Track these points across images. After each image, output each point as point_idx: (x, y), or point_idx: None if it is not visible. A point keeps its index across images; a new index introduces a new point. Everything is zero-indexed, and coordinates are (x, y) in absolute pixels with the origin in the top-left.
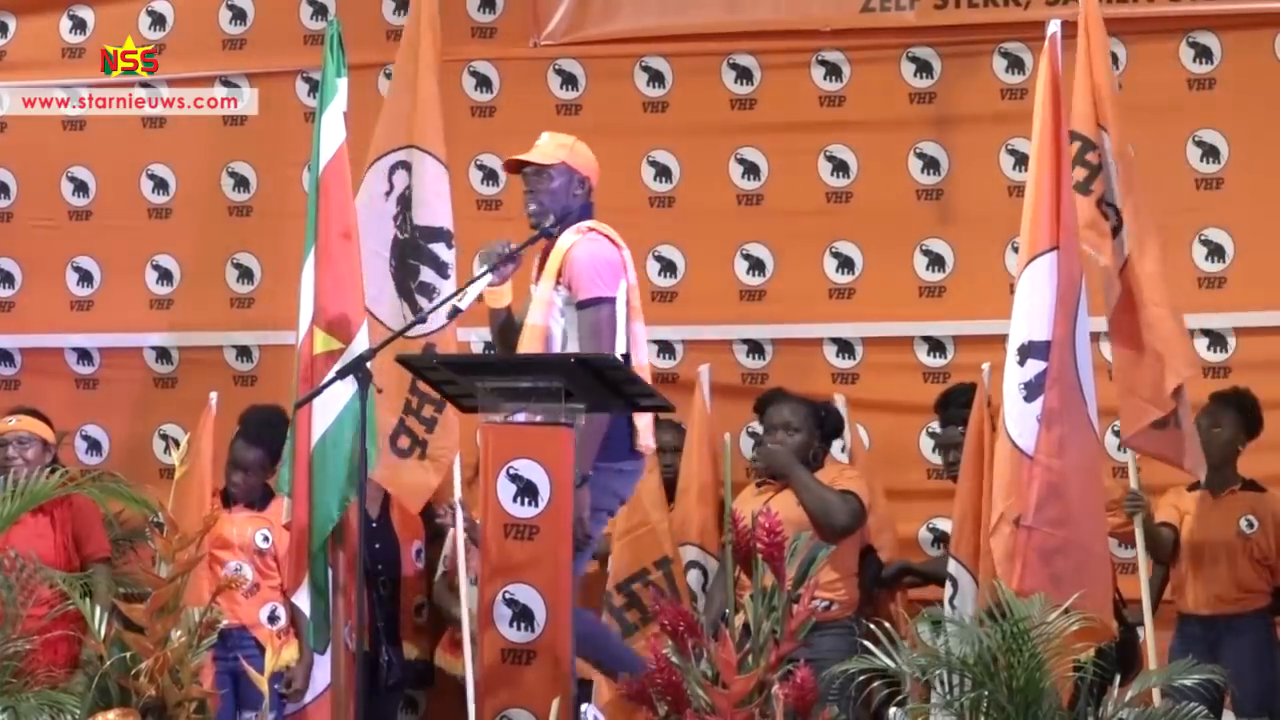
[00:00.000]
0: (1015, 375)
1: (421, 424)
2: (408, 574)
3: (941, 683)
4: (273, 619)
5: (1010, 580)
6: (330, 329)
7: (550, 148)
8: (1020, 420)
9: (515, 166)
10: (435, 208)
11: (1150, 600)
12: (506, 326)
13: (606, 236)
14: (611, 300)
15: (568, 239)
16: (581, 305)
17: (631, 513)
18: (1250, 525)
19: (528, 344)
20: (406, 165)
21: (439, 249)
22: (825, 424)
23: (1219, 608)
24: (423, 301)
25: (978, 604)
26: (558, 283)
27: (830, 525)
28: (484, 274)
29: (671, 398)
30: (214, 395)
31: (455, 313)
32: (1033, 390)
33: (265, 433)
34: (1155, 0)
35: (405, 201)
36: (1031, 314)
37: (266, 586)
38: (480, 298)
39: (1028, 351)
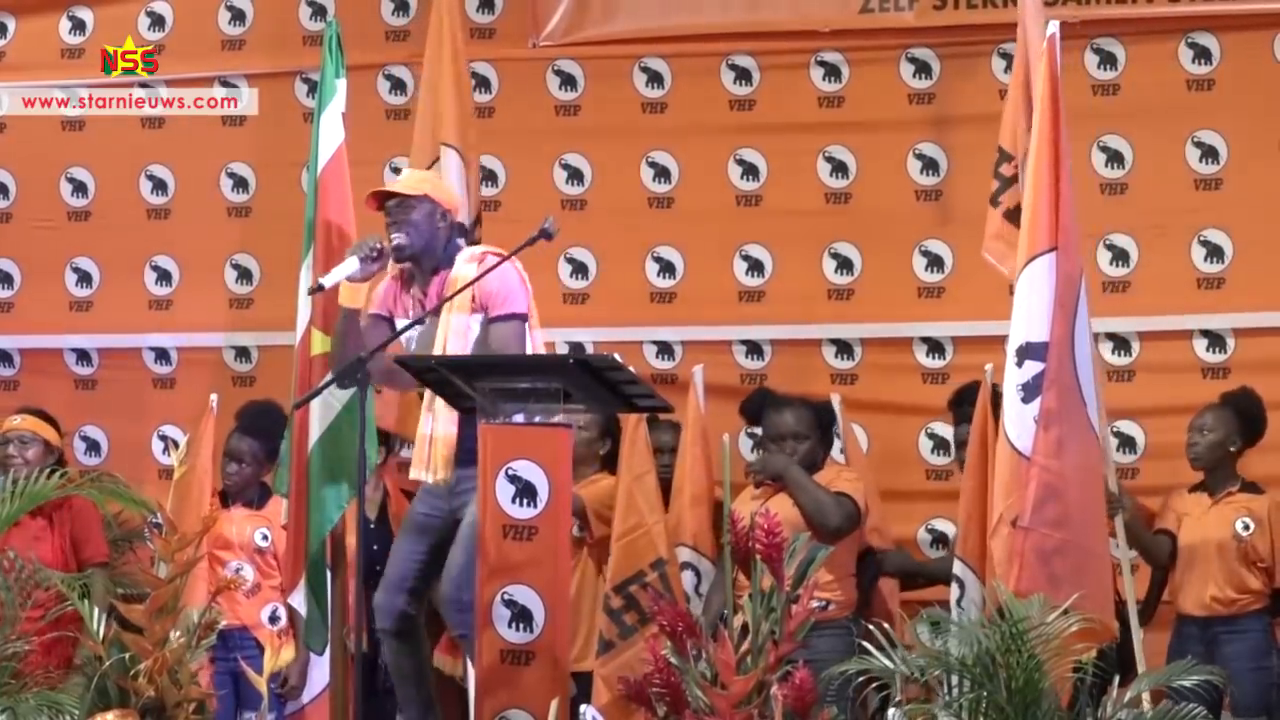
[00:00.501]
0: (1013, 377)
1: None
2: None
3: (941, 683)
4: (273, 619)
5: (1009, 581)
6: (329, 330)
7: (413, 180)
8: (1018, 421)
9: (378, 200)
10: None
11: (1138, 601)
12: (353, 328)
13: (498, 255)
14: (524, 317)
15: (466, 268)
16: (496, 320)
17: (628, 514)
18: (1246, 528)
19: None
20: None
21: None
22: (822, 421)
23: (1216, 610)
24: None
25: (984, 605)
26: (473, 310)
27: (824, 526)
28: (352, 257)
29: (671, 399)
30: (214, 397)
31: (318, 289)
32: (1030, 391)
33: (260, 422)
34: (1154, 1)
35: None
36: (1030, 315)
37: (267, 586)
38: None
39: (1025, 353)
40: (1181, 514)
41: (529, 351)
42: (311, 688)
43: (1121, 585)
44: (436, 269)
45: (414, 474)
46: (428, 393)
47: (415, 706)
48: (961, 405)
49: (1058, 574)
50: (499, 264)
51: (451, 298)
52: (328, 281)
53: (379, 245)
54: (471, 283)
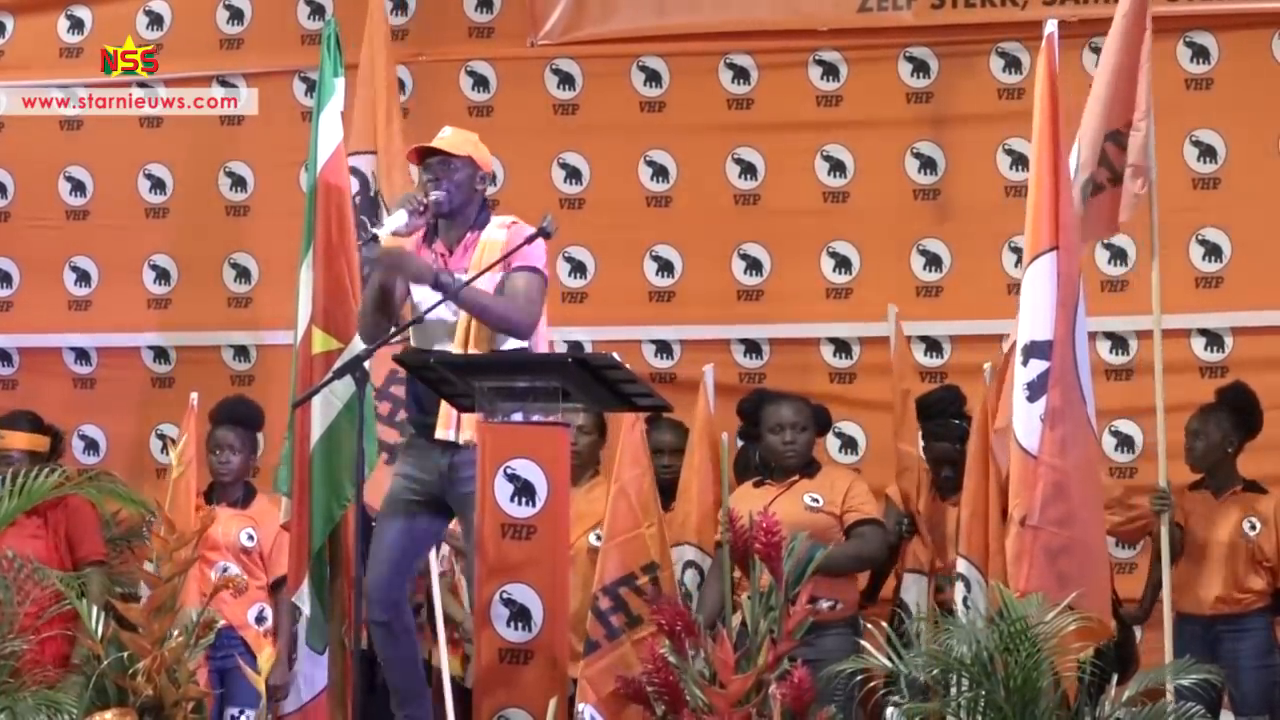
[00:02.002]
0: (1019, 375)
1: None
2: None
3: (940, 683)
4: (259, 619)
5: (1018, 580)
6: (329, 328)
7: (458, 139)
8: (1025, 420)
9: (420, 155)
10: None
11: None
12: (390, 287)
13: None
14: (544, 275)
15: (498, 233)
16: (517, 270)
17: (622, 516)
18: (1253, 527)
19: (476, 342)
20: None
21: None
22: (820, 420)
23: (1220, 609)
24: None
25: (988, 604)
26: (508, 272)
27: (869, 565)
28: (401, 210)
29: (670, 397)
30: (194, 396)
31: (372, 238)
32: (1035, 390)
33: (238, 411)
34: (1153, 0)
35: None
36: (1034, 314)
37: (254, 586)
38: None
39: (1030, 351)
40: (1187, 511)
41: (542, 308)
42: (312, 686)
43: (1129, 584)
44: (466, 229)
45: (439, 435)
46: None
47: (406, 694)
48: (934, 419)
49: (1065, 572)
50: (532, 236)
51: (489, 269)
52: (382, 232)
53: (425, 200)
54: (510, 252)
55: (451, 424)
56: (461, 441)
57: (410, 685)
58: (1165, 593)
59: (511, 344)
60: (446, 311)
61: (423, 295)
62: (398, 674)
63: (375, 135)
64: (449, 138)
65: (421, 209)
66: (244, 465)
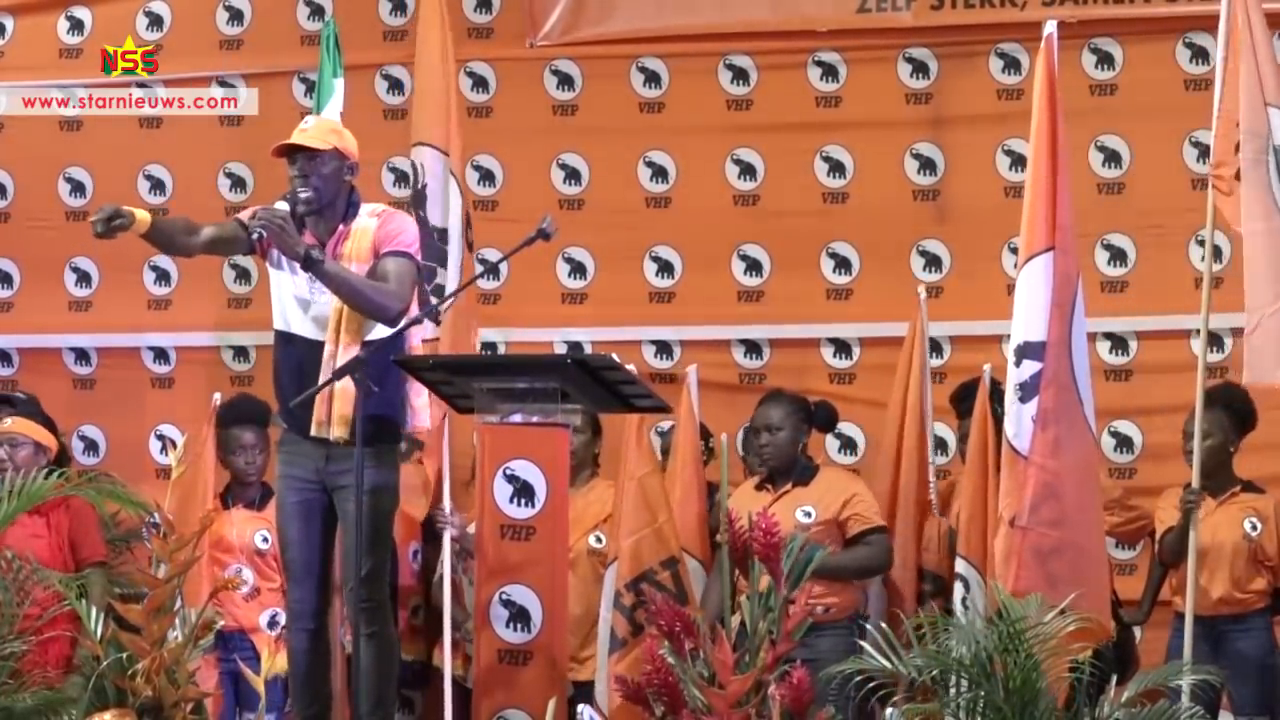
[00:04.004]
0: (1011, 376)
1: None
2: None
3: (938, 683)
4: (272, 624)
5: (1007, 580)
6: None
7: (322, 133)
8: (1016, 421)
9: (285, 151)
10: (437, 206)
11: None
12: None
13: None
14: (416, 260)
15: (369, 221)
16: (388, 254)
17: (639, 511)
18: (1254, 528)
19: (347, 331)
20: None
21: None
22: (816, 418)
23: (1221, 609)
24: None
25: (987, 604)
26: (372, 258)
27: (874, 574)
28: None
29: (669, 398)
30: (217, 396)
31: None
32: (1028, 391)
33: (249, 408)
34: (1152, 1)
35: (419, 199)
36: (1028, 315)
37: (266, 589)
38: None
39: (1023, 352)
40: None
41: (412, 293)
42: None
43: (1128, 585)
44: (336, 222)
45: (314, 432)
46: (328, 346)
47: (318, 704)
48: (965, 400)
49: (1055, 573)
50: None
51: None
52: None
53: (300, 195)
54: None
55: (324, 421)
56: (332, 438)
57: (318, 697)
58: (1189, 594)
59: (378, 333)
60: (304, 291)
61: (280, 279)
62: (309, 685)
63: (444, 130)
64: (311, 130)
65: (279, 226)
66: (265, 462)
